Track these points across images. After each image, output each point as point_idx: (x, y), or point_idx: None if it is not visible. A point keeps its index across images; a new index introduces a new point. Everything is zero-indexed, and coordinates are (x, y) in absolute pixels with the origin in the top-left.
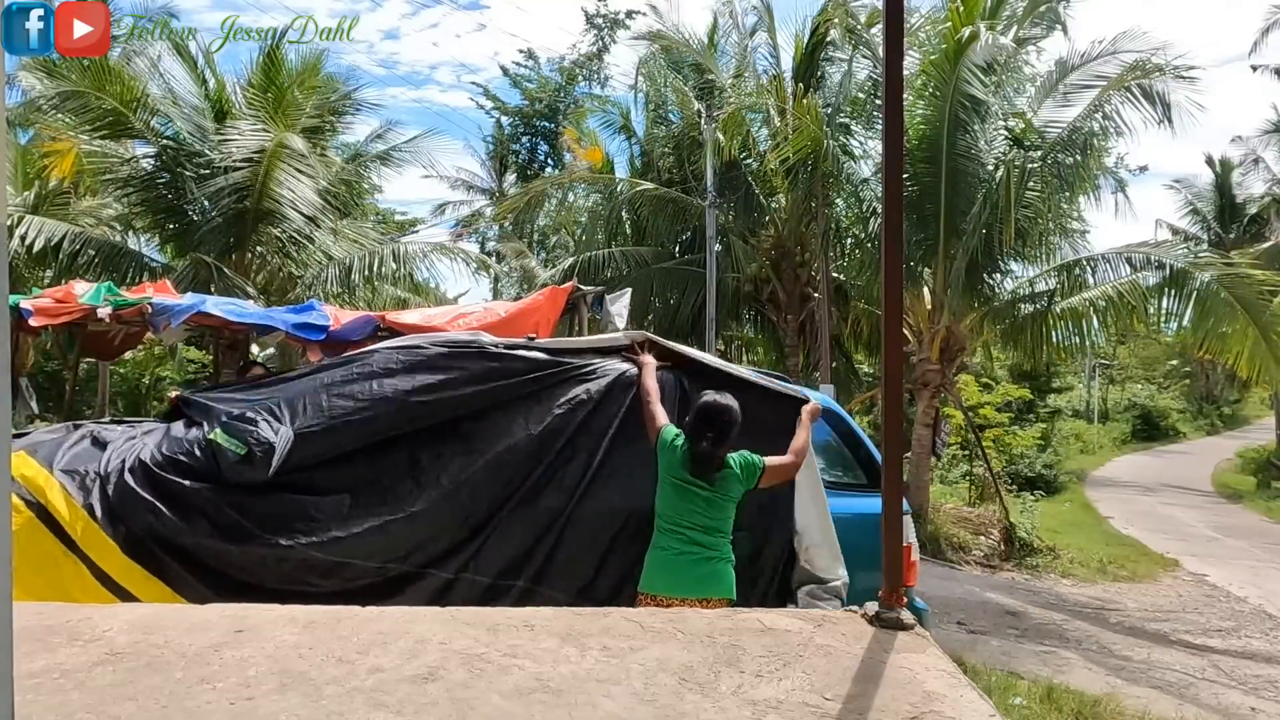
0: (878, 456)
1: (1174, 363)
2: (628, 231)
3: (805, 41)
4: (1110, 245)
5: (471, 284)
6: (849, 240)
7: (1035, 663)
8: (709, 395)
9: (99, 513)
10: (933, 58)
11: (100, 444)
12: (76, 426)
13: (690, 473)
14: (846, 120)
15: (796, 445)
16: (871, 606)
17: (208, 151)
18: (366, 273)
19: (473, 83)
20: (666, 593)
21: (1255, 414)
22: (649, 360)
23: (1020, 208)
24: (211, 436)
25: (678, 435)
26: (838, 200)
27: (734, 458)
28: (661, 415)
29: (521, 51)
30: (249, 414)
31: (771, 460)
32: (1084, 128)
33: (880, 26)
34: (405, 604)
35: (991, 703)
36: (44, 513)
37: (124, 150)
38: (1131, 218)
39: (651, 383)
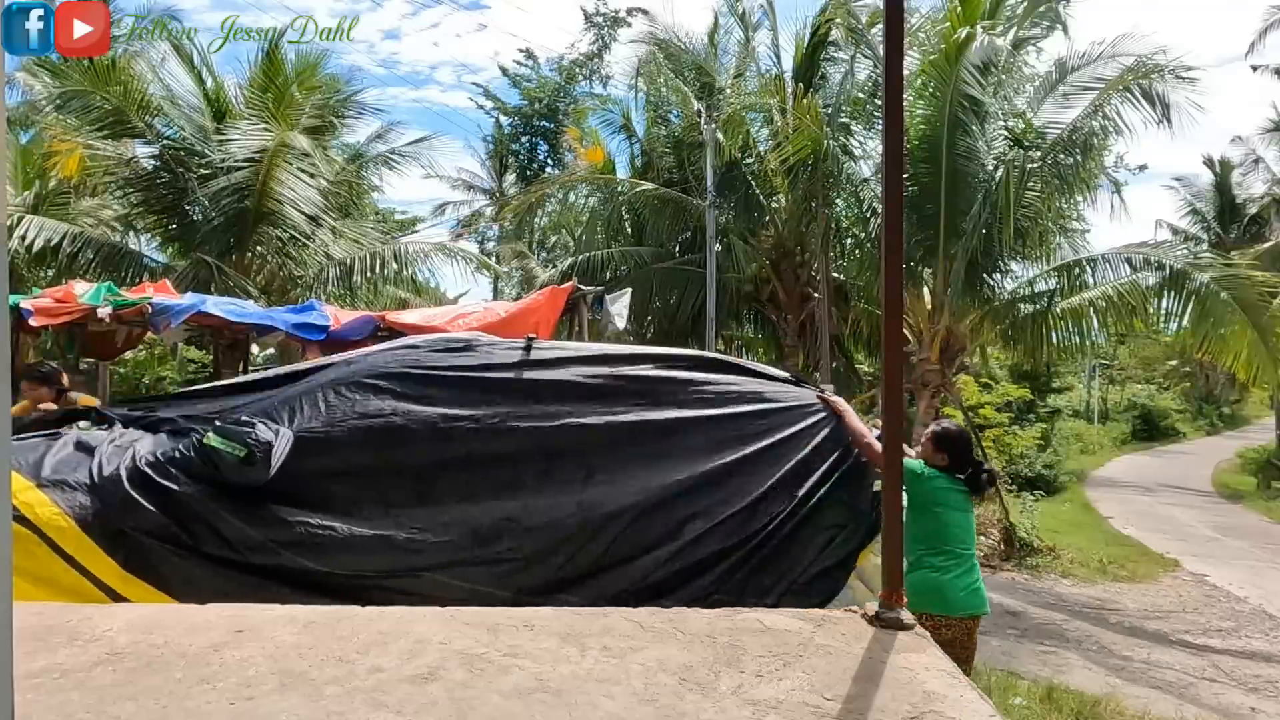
0: None
1: (1174, 363)
2: (628, 231)
3: (806, 42)
4: (1109, 246)
5: (471, 284)
6: (849, 240)
7: (1035, 663)
8: (948, 424)
9: (93, 524)
10: (932, 58)
11: (86, 449)
12: (55, 435)
13: (970, 497)
14: (846, 120)
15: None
16: (871, 606)
17: (208, 152)
18: (368, 273)
19: (473, 83)
20: (968, 612)
21: (1255, 414)
22: (840, 403)
23: (1020, 208)
24: (206, 440)
25: (923, 467)
26: (838, 200)
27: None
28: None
29: (521, 51)
30: (244, 416)
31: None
32: (1084, 128)
33: (881, 26)
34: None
35: (991, 703)
36: (34, 528)
37: (125, 150)
38: (1128, 219)
39: (858, 422)
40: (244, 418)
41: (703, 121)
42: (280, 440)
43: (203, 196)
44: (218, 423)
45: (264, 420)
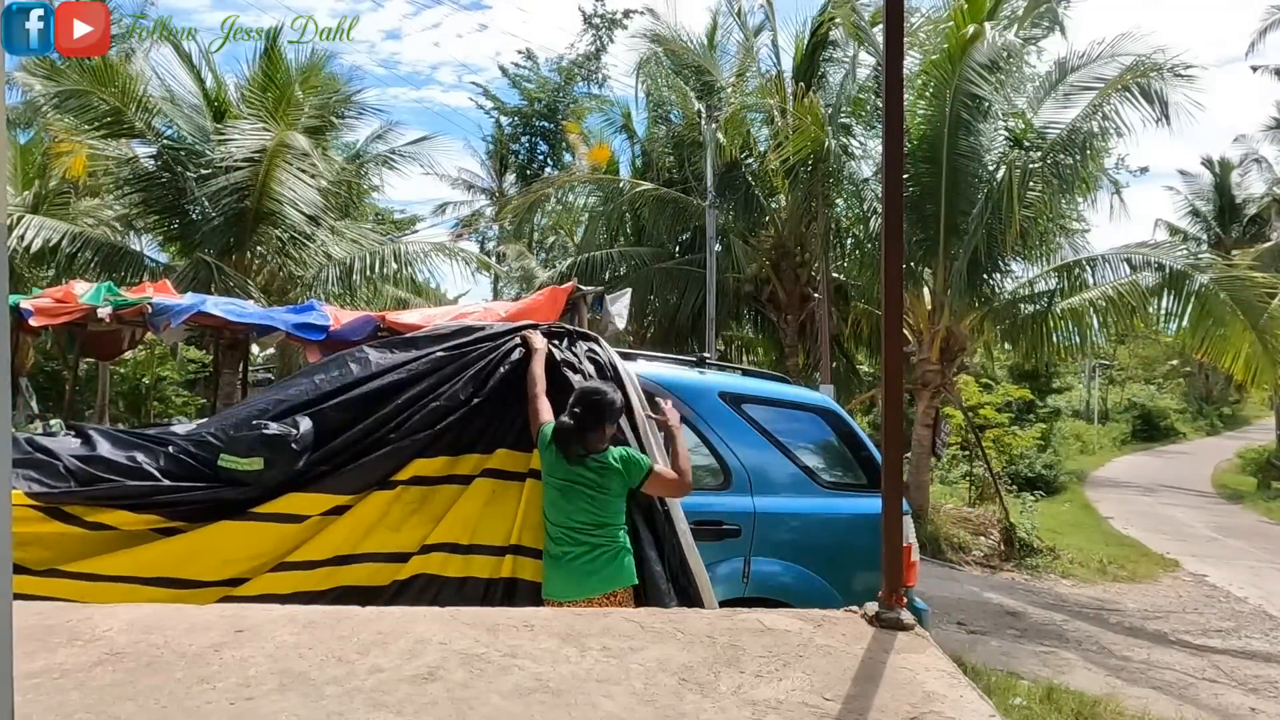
0: (878, 456)
1: (1174, 363)
2: (628, 231)
3: (806, 42)
4: (1109, 246)
5: (471, 284)
6: (849, 240)
7: (1035, 663)
8: (589, 383)
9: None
10: (934, 57)
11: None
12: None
13: (561, 455)
14: (847, 120)
15: (683, 465)
16: (871, 606)
17: (208, 151)
18: (368, 273)
19: (473, 83)
20: (570, 597)
21: (1255, 414)
22: (539, 345)
23: (1021, 208)
24: (220, 463)
25: (550, 432)
26: (838, 200)
27: (615, 451)
28: (545, 410)
29: (520, 52)
30: (253, 422)
31: (660, 469)
32: (1083, 128)
33: (882, 25)
34: None
35: (991, 703)
36: None
37: (125, 150)
38: (1129, 219)
39: (539, 370)
40: (253, 423)
41: (703, 121)
42: (299, 430)
43: (203, 196)
44: (225, 440)
45: (272, 419)
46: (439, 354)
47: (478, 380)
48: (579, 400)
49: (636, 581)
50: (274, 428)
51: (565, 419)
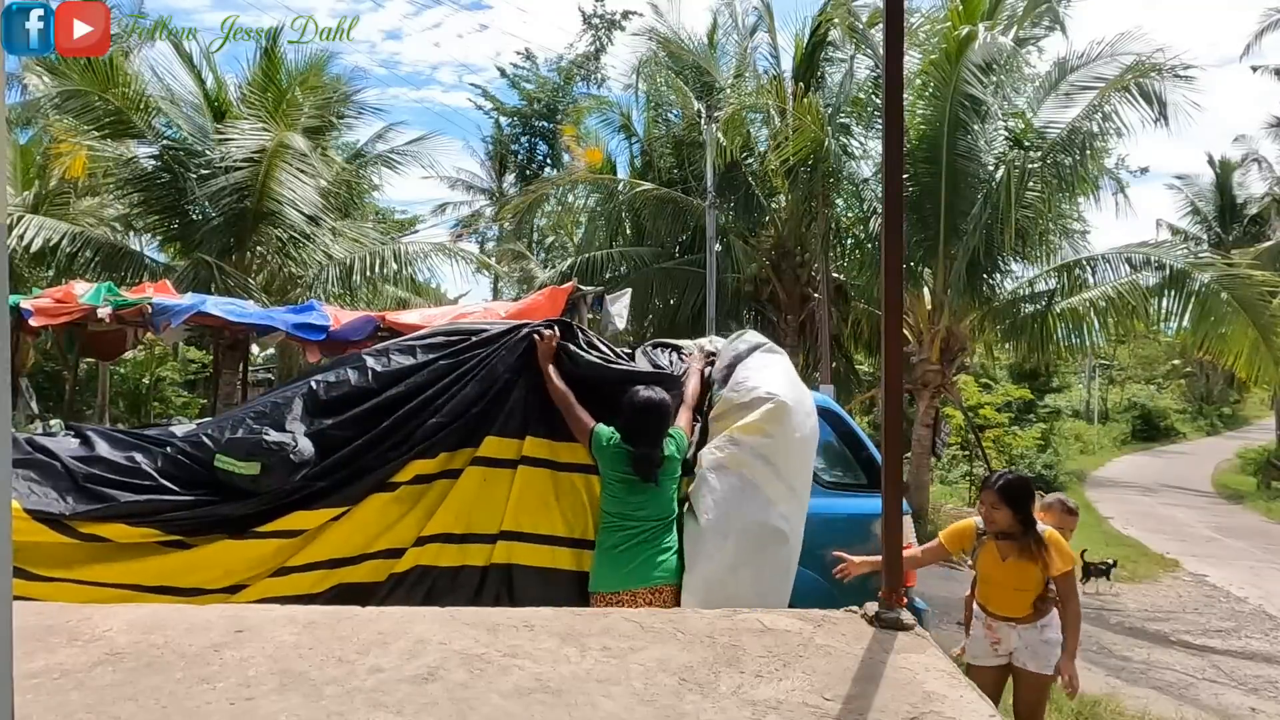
0: (878, 457)
1: (1174, 363)
2: (628, 232)
3: (805, 42)
4: (1110, 246)
5: (472, 284)
6: (849, 240)
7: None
8: (642, 391)
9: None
10: (933, 58)
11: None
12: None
13: (635, 474)
14: (847, 120)
15: (687, 393)
16: (871, 606)
17: (208, 151)
18: (368, 273)
19: (472, 83)
20: (618, 587)
21: (1255, 414)
22: (548, 364)
23: (1020, 208)
24: (216, 464)
25: (613, 435)
26: (838, 200)
27: (666, 444)
28: (587, 416)
29: (519, 53)
30: (251, 427)
31: (682, 421)
32: (1083, 128)
33: (881, 25)
34: None
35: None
36: None
37: (125, 150)
38: (1132, 218)
39: (561, 385)
40: (252, 428)
41: (703, 121)
42: (298, 444)
43: (203, 196)
44: (224, 442)
45: (270, 426)
46: (440, 362)
47: (479, 388)
48: (644, 419)
49: (677, 582)
50: (273, 435)
51: (644, 449)
